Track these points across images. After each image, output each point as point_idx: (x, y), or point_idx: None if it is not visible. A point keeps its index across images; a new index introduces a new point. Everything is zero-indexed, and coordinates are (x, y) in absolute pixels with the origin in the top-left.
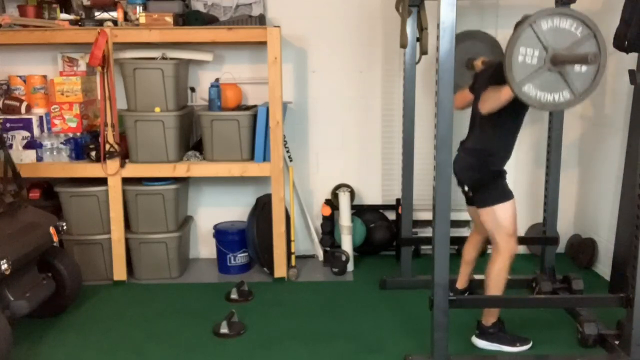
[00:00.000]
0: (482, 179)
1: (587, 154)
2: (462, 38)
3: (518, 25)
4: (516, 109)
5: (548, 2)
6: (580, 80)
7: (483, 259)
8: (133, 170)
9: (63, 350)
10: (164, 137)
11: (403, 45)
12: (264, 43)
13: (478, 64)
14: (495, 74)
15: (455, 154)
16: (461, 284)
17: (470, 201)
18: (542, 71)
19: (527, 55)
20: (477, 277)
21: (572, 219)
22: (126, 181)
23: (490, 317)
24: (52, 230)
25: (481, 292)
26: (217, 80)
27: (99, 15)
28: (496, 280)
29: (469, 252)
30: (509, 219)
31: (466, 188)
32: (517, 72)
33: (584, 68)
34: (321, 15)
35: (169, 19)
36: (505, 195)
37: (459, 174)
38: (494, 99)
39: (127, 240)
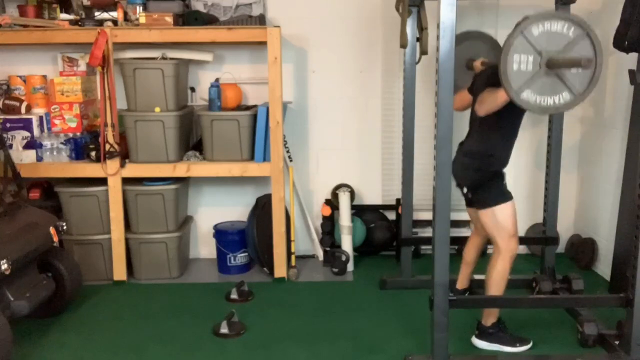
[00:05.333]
0: (481, 179)
1: (587, 154)
2: (462, 38)
3: (517, 26)
4: (514, 111)
5: (548, 1)
6: (578, 80)
7: (484, 259)
8: (133, 170)
9: (63, 350)
10: (164, 137)
11: (403, 45)
12: (264, 43)
13: (477, 64)
14: (493, 75)
15: (454, 155)
16: (461, 284)
17: (469, 203)
18: (539, 76)
19: (521, 63)
20: (477, 277)
21: (572, 219)
22: (126, 181)
23: (489, 317)
24: (52, 230)
25: (481, 292)
26: (217, 80)
27: (99, 15)
28: (497, 281)
29: (470, 253)
30: (508, 220)
31: (465, 190)
32: (514, 79)
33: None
34: (321, 15)
35: (169, 19)
36: (504, 196)
37: (458, 176)
38: (491, 102)
39: (127, 240)
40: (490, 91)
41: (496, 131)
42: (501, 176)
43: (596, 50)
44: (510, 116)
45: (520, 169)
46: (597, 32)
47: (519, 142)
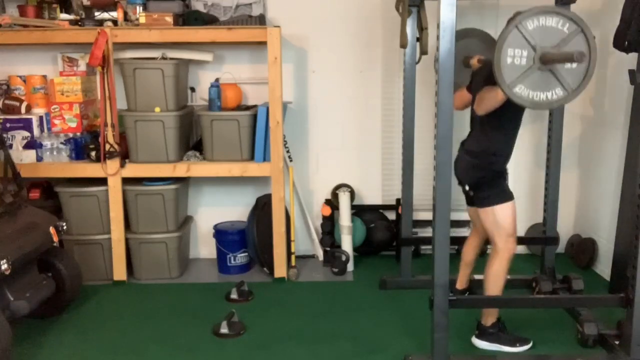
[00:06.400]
0: (484, 178)
1: (587, 154)
2: (459, 36)
3: (509, 22)
4: (514, 108)
5: (548, 1)
6: (572, 76)
7: (483, 259)
8: (133, 170)
9: (63, 350)
10: (164, 137)
11: (403, 45)
12: (264, 43)
13: (474, 62)
14: (491, 73)
15: (456, 154)
16: (461, 284)
17: (470, 201)
18: (532, 71)
19: (515, 57)
20: (477, 277)
21: (572, 219)
22: (126, 181)
23: (489, 317)
24: (52, 230)
25: (481, 292)
26: (217, 80)
27: (99, 15)
28: (495, 281)
29: (468, 253)
30: (508, 220)
31: (467, 187)
32: (507, 74)
33: (574, 64)
34: (321, 15)
35: (169, 19)
36: (505, 195)
37: (460, 174)
38: (489, 100)
39: (127, 240)
40: (488, 90)
41: (497, 129)
42: (503, 175)
43: (590, 47)
44: (510, 113)
45: (520, 169)
46: (597, 32)
47: (519, 142)
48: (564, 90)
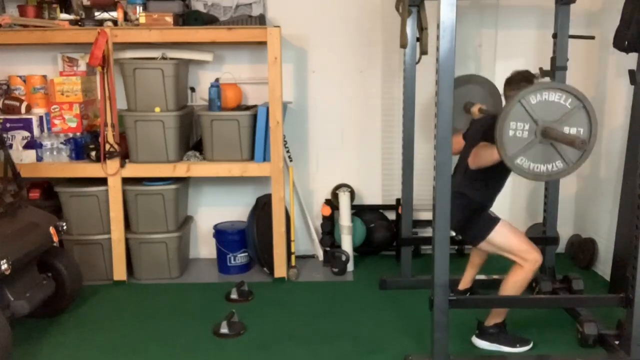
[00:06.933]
0: (466, 218)
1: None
2: (462, 82)
3: (508, 82)
4: (503, 169)
5: (548, 1)
6: (572, 150)
7: (491, 257)
8: (133, 170)
9: (63, 350)
10: (164, 137)
11: (403, 45)
12: (264, 43)
13: (475, 110)
14: (489, 128)
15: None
16: (463, 285)
17: (464, 242)
18: (534, 144)
19: (517, 130)
20: (478, 277)
21: (572, 219)
22: (126, 181)
23: (495, 318)
24: (52, 230)
25: (482, 291)
26: (217, 80)
27: (99, 15)
28: (514, 288)
29: (476, 256)
30: (511, 239)
31: (453, 233)
32: (509, 146)
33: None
34: (321, 15)
35: (169, 19)
36: (491, 222)
37: None
38: (484, 158)
39: (127, 240)
40: (484, 146)
41: (482, 181)
42: (484, 208)
43: (591, 123)
44: (497, 172)
45: None
46: (597, 32)
47: None
48: (565, 163)
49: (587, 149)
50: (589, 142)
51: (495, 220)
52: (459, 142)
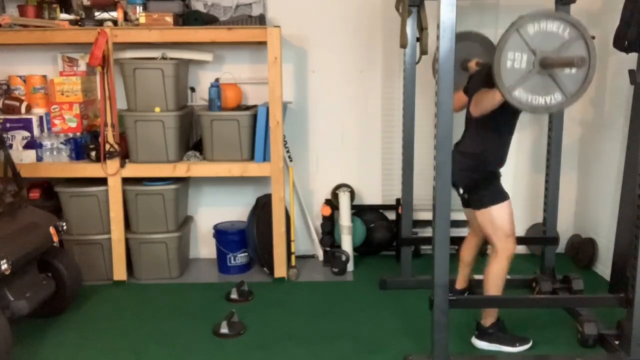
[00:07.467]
0: (477, 179)
1: (586, 154)
2: (457, 39)
3: (512, 24)
4: (510, 111)
5: (548, 1)
6: (571, 82)
7: (483, 259)
8: (133, 170)
9: (63, 350)
10: (164, 137)
11: (403, 45)
12: (264, 43)
13: (472, 65)
14: (488, 76)
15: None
16: (460, 284)
17: (466, 203)
18: (532, 75)
19: (515, 60)
20: (477, 277)
21: (572, 219)
22: (126, 181)
23: (488, 317)
24: (52, 230)
25: (481, 292)
26: (217, 80)
27: (99, 15)
28: (494, 281)
29: (467, 254)
30: (505, 220)
31: (461, 190)
32: (507, 77)
33: (574, 69)
34: (321, 15)
35: (169, 19)
36: (500, 195)
37: (454, 176)
38: (486, 102)
39: (127, 240)
40: (485, 91)
41: (492, 131)
42: (497, 176)
43: (590, 52)
44: (505, 116)
45: (520, 169)
46: (597, 32)
47: (519, 142)
48: (563, 95)
49: (587, 78)
50: (588, 63)
51: (505, 196)
52: (459, 97)
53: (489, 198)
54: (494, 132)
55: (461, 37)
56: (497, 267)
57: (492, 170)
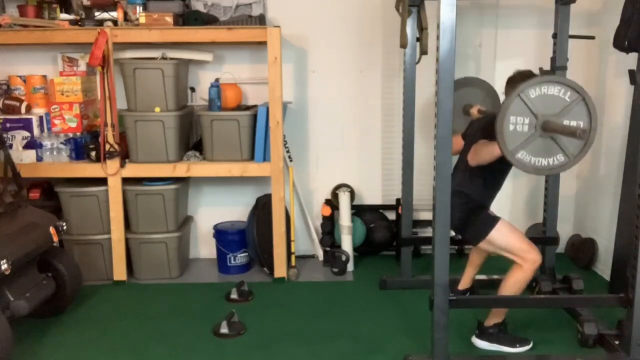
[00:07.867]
0: (463, 218)
1: (586, 154)
2: (459, 85)
3: (510, 81)
4: (502, 165)
5: (548, 1)
6: (573, 143)
7: (491, 259)
8: (133, 170)
9: (63, 350)
10: (164, 137)
11: (403, 45)
12: (264, 43)
13: (474, 111)
14: (488, 126)
15: None
16: (464, 284)
17: (465, 241)
18: (534, 138)
19: (517, 124)
20: (478, 277)
21: (572, 219)
22: (126, 181)
23: (494, 318)
24: (52, 230)
25: (482, 291)
26: (217, 80)
27: (99, 15)
28: (512, 286)
29: (476, 256)
30: (510, 238)
31: (452, 233)
32: (509, 140)
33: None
34: (321, 15)
35: (169, 19)
36: (491, 221)
37: None
38: (485, 154)
39: (127, 240)
40: (485, 143)
41: (481, 178)
42: (484, 206)
43: (591, 116)
44: (497, 169)
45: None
46: (597, 32)
47: None
48: (566, 156)
49: (588, 140)
50: (589, 133)
51: (495, 219)
52: (458, 142)
53: (482, 228)
54: (483, 180)
55: (463, 84)
56: (521, 276)
57: (478, 205)
